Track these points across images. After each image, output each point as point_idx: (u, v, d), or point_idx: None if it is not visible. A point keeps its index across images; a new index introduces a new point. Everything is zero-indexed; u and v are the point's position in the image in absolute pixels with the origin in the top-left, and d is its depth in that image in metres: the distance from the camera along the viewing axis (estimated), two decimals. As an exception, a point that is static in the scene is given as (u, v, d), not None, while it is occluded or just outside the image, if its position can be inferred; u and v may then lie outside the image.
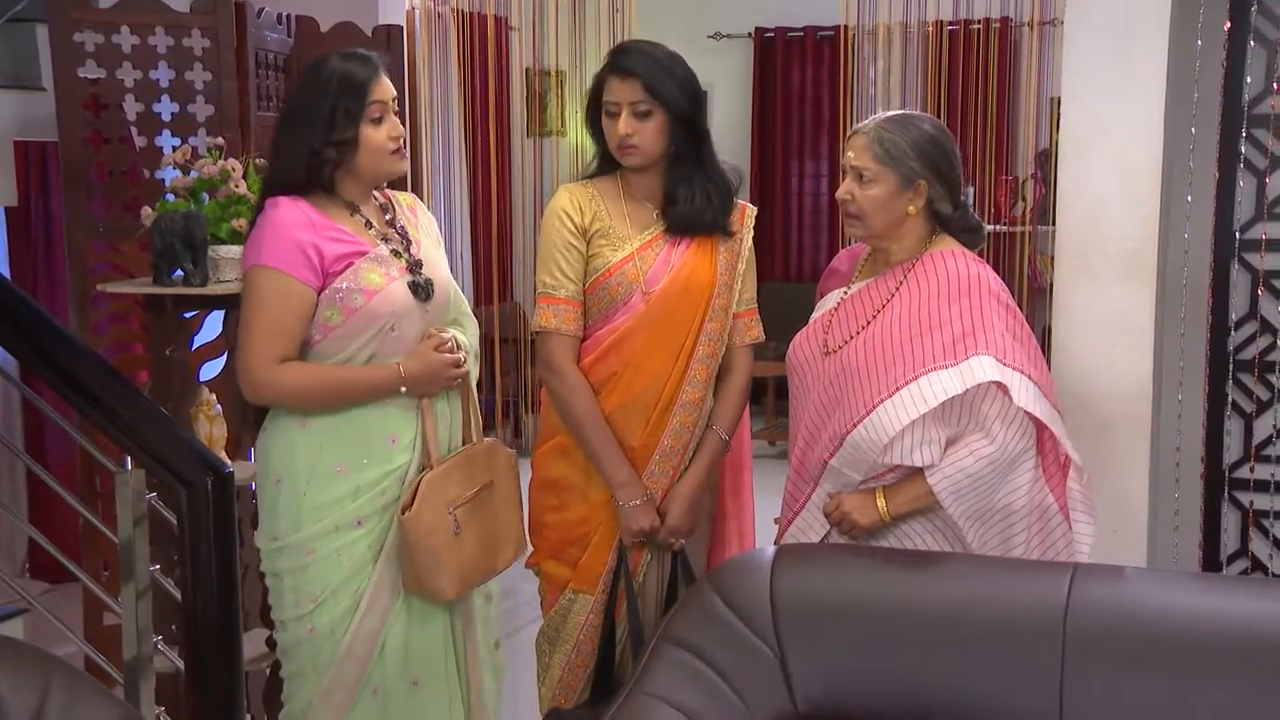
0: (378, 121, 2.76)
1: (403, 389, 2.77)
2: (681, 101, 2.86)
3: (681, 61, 2.91)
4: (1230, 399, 3.47)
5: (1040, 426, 2.63)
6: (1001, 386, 2.57)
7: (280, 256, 2.70)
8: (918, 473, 2.65)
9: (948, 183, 2.75)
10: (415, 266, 2.84)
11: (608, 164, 2.98)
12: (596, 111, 2.93)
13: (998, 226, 7.37)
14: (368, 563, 2.80)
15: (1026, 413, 2.60)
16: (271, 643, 3.47)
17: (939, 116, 7.46)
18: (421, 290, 2.82)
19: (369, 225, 2.82)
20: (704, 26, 9.24)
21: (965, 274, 2.68)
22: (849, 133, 2.82)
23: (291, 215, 2.73)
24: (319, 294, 2.72)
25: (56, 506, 4.94)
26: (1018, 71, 7.56)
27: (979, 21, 7.74)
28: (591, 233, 2.92)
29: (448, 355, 2.81)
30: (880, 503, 2.69)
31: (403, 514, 2.75)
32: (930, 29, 7.82)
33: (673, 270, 2.91)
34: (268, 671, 3.65)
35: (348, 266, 2.73)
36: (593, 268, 2.92)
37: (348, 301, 2.72)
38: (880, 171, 2.71)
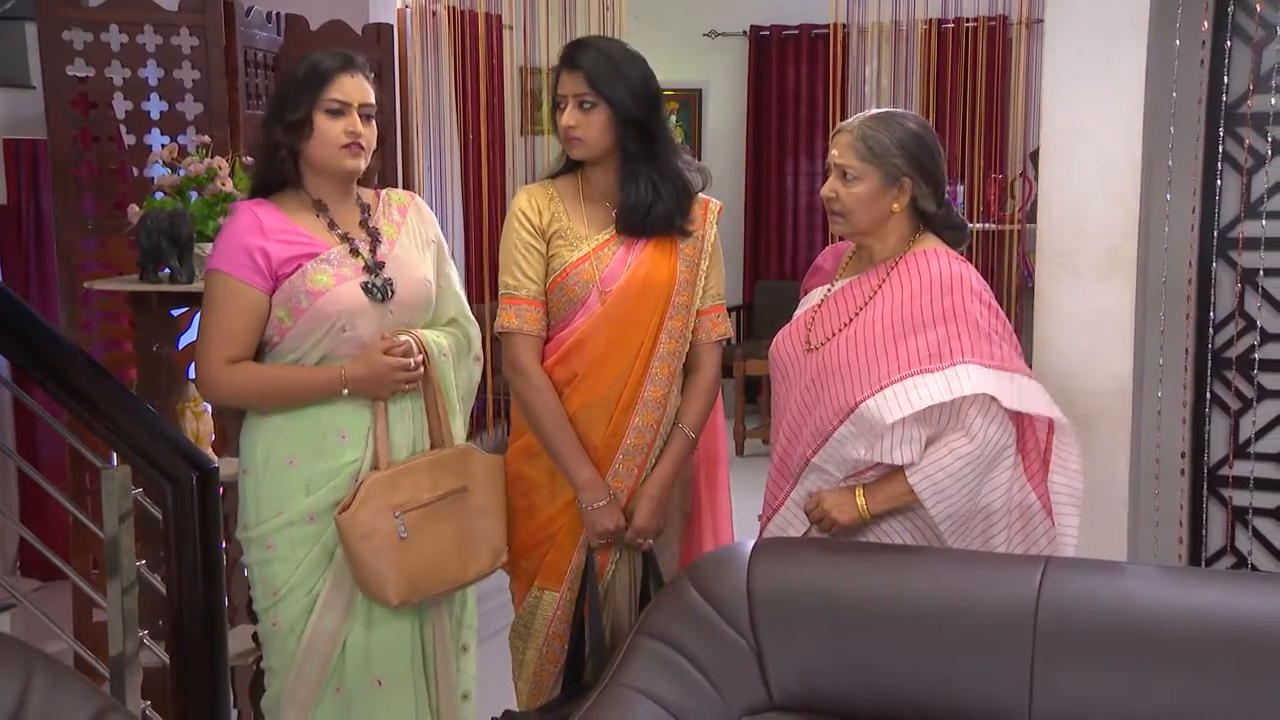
0: (334, 114, 2.78)
1: (344, 391, 2.80)
2: (627, 100, 2.87)
3: (638, 62, 2.93)
4: (1215, 397, 3.51)
5: (1021, 425, 2.68)
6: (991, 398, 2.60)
7: (228, 260, 2.77)
8: (898, 471, 2.68)
9: (932, 180, 2.77)
10: (375, 267, 2.85)
11: (572, 163, 3.01)
12: (555, 107, 2.98)
13: (988, 225, 7.41)
14: (322, 561, 2.84)
15: (1010, 412, 2.64)
16: (257, 638, 3.52)
17: (933, 115, 7.57)
18: (376, 291, 2.83)
19: (332, 226, 2.86)
20: (699, 24, 9.30)
21: (948, 273, 2.71)
22: (833, 130, 2.85)
23: (243, 220, 2.80)
24: (270, 296, 2.78)
25: (48, 505, 4.98)
26: (1012, 70, 7.58)
27: (974, 19, 7.77)
28: (550, 233, 2.94)
29: (395, 359, 2.81)
30: (860, 501, 2.71)
31: (339, 513, 2.77)
32: (925, 27, 7.86)
33: (630, 269, 2.93)
34: (254, 667, 3.69)
35: (297, 268, 2.78)
36: (551, 268, 2.94)
37: (296, 302, 2.77)
38: (864, 169, 2.74)
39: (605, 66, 2.88)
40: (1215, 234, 3.46)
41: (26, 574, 5.39)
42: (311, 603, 2.84)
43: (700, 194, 3.04)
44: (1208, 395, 3.50)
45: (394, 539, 2.79)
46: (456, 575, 2.93)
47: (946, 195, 2.83)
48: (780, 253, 9.23)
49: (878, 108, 2.89)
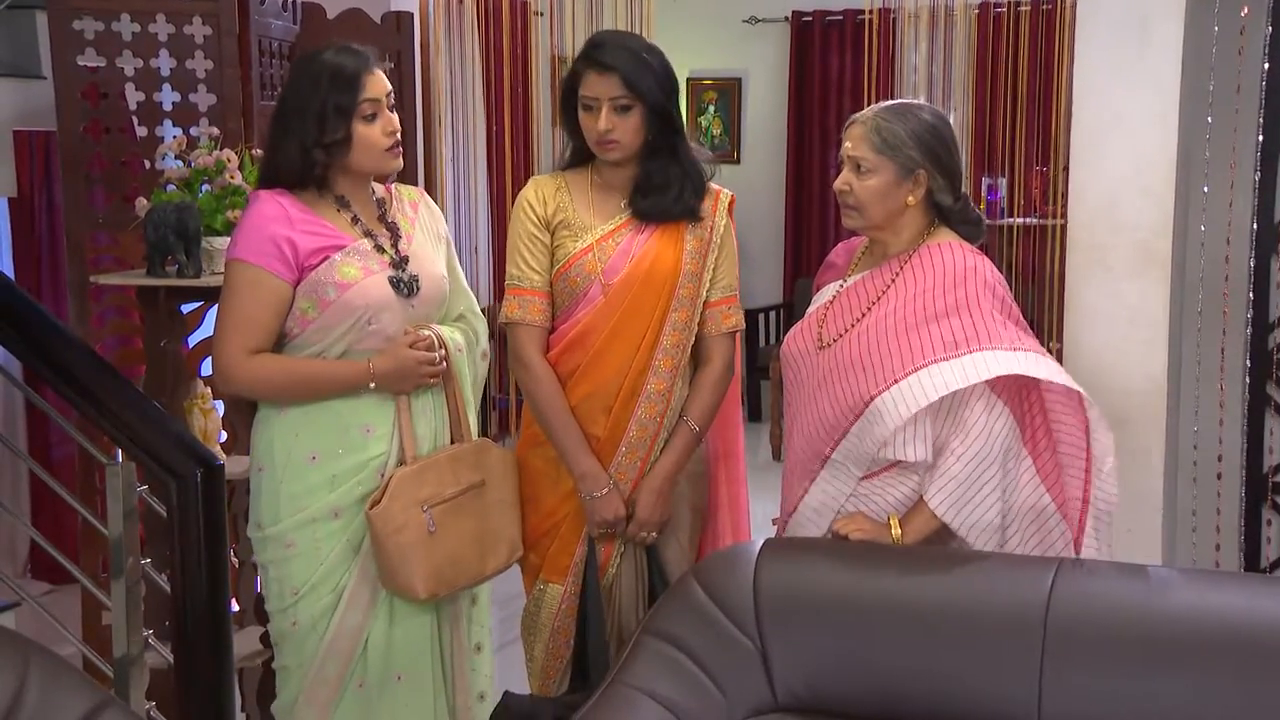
0: (371, 119, 2.88)
1: (371, 385, 2.89)
2: (659, 94, 2.97)
3: (659, 52, 3.02)
4: (1269, 399, 3.52)
5: (1034, 424, 2.73)
6: (1007, 382, 2.65)
7: (253, 250, 2.86)
8: (923, 502, 2.73)
9: (948, 173, 2.83)
10: (400, 262, 2.96)
11: (581, 155, 3.10)
12: (570, 103, 3.04)
13: (1029, 219, 7.44)
14: (348, 556, 2.93)
15: (1017, 410, 2.71)
16: (266, 639, 3.61)
17: (982, 104, 7.57)
18: (404, 285, 2.93)
19: (355, 220, 2.95)
20: (738, 10, 9.33)
21: (961, 266, 2.77)
22: (846, 122, 2.91)
23: (269, 209, 2.88)
24: (295, 287, 2.87)
25: (59, 507, 5.09)
26: (1056, 56, 7.57)
27: (1027, 2, 7.75)
28: (555, 224, 3.05)
29: (421, 353, 2.92)
30: (895, 533, 2.74)
31: (370, 509, 2.87)
32: (976, 11, 7.85)
33: (633, 260, 3.02)
34: (263, 668, 3.78)
35: (324, 260, 2.87)
36: (555, 259, 3.05)
37: (322, 294, 2.86)
38: (878, 162, 2.80)
39: (637, 65, 2.96)
40: (1256, 228, 3.47)
41: (37, 576, 5.51)
42: (335, 599, 2.92)
43: (711, 184, 3.12)
44: (1248, 398, 3.52)
45: (423, 533, 2.89)
46: (478, 569, 3.04)
47: (963, 190, 2.89)
48: (822, 249, 9.21)
49: (923, 96, 2.94)
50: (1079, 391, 2.70)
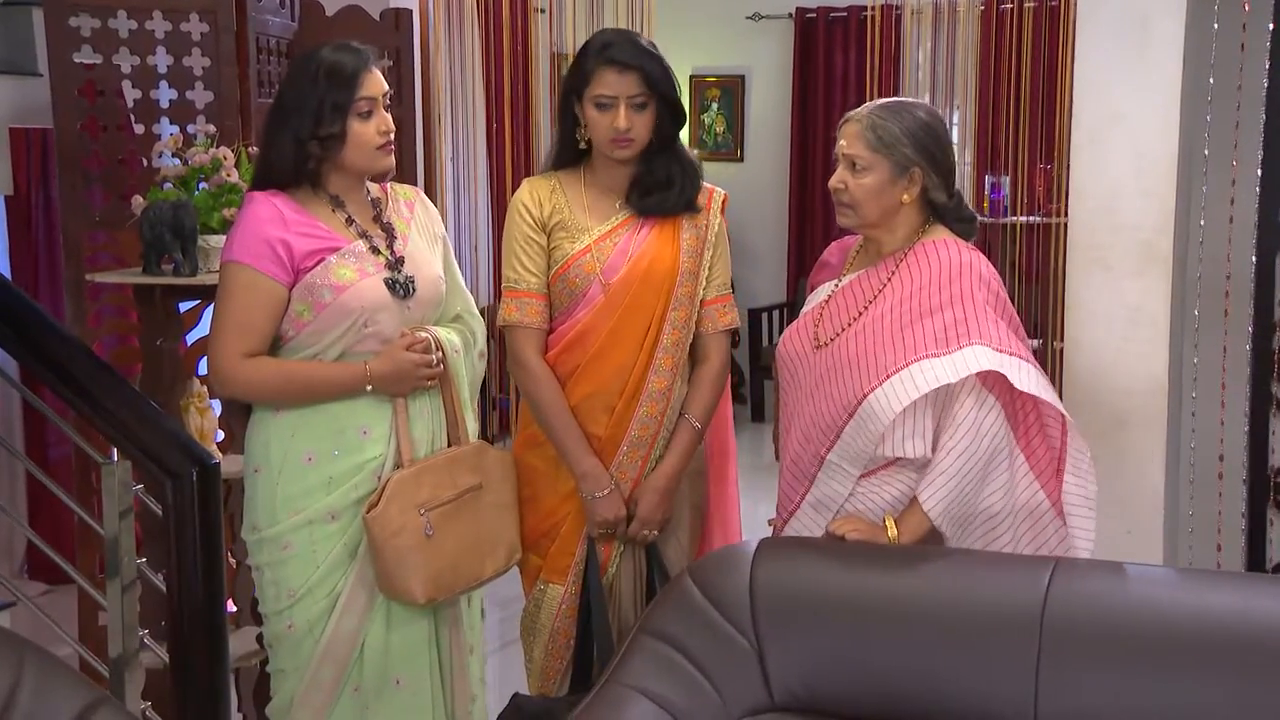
0: (366, 116, 2.90)
1: (368, 388, 2.91)
2: (670, 90, 3.01)
3: (657, 47, 3.05)
4: (1273, 399, 3.53)
5: (1028, 423, 2.75)
6: (999, 376, 2.68)
7: (249, 252, 2.87)
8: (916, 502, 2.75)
9: (942, 171, 2.86)
10: (395, 263, 2.97)
11: (570, 153, 3.12)
12: (570, 100, 3.06)
13: (1033, 218, 7.46)
14: (344, 560, 2.94)
15: (1020, 410, 2.72)
16: (262, 640, 3.63)
17: (986, 101, 7.59)
18: (400, 288, 2.95)
19: (350, 221, 2.97)
20: (741, 7, 9.34)
21: (956, 261, 2.80)
22: (841, 120, 2.93)
23: (264, 211, 2.90)
24: (290, 289, 2.88)
25: (56, 507, 5.10)
26: (1066, 54, 7.59)
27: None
28: (551, 225, 3.08)
29: (418, 356, 2.94)
30: (892, 533, 2.76)
31: (368, 513, 2.88)
32: (980, 9, 7.86)
33: (631, 260, 3.06)
34: (259, 669, 3.79)
35: (319, 262, 2.88)
36: (553, 260, 3.08)
37: (318, 297, 2.88)
38: (873, 159, 2.82)
39: (654, 62, 3.00)
40: (1258, 227, 3.48)
41: (33, 577, 5.52)
42: (331, 604, 2.94)
43: (704, 183, 3.15)
44: (1250, 398, 3.53)
45: (420, 537, 2.91)
46: (476, 573, 3.05)
47: (957, 187, 2.91)
48: (826, 248, 9.23)
49: (927, 94, 2.97)
50: (1061, 410, 2.73)
